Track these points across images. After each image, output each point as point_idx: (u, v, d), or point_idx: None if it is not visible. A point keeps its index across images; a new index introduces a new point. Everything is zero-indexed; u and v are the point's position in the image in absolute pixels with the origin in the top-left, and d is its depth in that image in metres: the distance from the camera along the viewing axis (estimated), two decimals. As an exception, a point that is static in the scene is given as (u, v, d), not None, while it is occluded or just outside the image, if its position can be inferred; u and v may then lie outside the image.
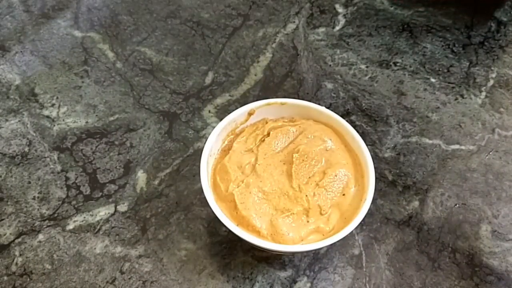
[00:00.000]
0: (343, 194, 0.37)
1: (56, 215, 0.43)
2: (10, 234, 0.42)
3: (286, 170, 0.38)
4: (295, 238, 0.35)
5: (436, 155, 0.47)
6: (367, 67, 0.54)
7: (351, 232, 0.35)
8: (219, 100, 0.51)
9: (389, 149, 0.48)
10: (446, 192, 0.45)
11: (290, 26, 0.58)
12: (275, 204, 0.36)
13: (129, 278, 0.39)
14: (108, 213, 0.43)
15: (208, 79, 0.53)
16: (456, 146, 0.48)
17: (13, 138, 0.48)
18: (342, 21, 0.59)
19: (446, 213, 0.44)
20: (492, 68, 0.54)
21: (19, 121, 0.49)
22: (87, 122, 0.49)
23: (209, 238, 0.42)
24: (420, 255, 0.41)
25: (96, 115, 0.50)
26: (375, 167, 0.37)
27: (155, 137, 0.48)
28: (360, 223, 0.35)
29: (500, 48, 0.56)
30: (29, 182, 0.45)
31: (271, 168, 0.38)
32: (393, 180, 0.46)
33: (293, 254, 0.41)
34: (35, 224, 0.42)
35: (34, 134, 0.48)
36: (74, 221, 0.42)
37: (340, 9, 0.60)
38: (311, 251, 0.39)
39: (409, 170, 0.46)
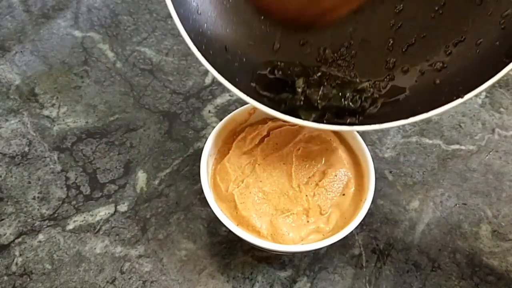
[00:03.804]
0: (343, 194, 0.37)
1: (56, 215, 0.43)
2: (10, 234, 0.42)
3: (286, 170, 0.38)
4: (295, 238, 0.35)
5: (436, 155, 0.47)
6: (367, 67, 0.54)
7: (351, 232, 0.35)
8: (219, 100, 0.51)
9: (389, 149, 0.48)
10: (446, 192, 0.45)
11: (290, 26, 0.58)
12: (275, 204, 0.36)
13: (129, 278, 0.39)
14: (108, 213, 0.43)
15: (208, 79, 0.53)
16: (456, 146, 0.48)
17: (13, 138, 0.48)
18: (342, 21, 0.59)
19: (446, 213, 0.44)
20: (492, 68, 0.54)
21: (19, 121, 0.49)
22: (87, 122, 0.49)
23: (209, 238, 0.42)
24: (420, 255, 0.41)
25: (96, 115, 0.50)
26: (375, 167, 0.37)
27: (155, 137, 0.48)
28: (360, 223, 0.35)
29: (500, 48, 0.56)
30: (29, 182, 0.45)
31: (271, 168, 0.38)
32: (393, 180, 0.46)
33: (293, 254, 0.41)
34: (35, 224, 0.42)
35: (34, 134, 0.48)
36: (74, 221, 0.42)
37: (340, 9, 0.60)
38: (311, 251, 0.39)
39: (409, 170, 0.46)
